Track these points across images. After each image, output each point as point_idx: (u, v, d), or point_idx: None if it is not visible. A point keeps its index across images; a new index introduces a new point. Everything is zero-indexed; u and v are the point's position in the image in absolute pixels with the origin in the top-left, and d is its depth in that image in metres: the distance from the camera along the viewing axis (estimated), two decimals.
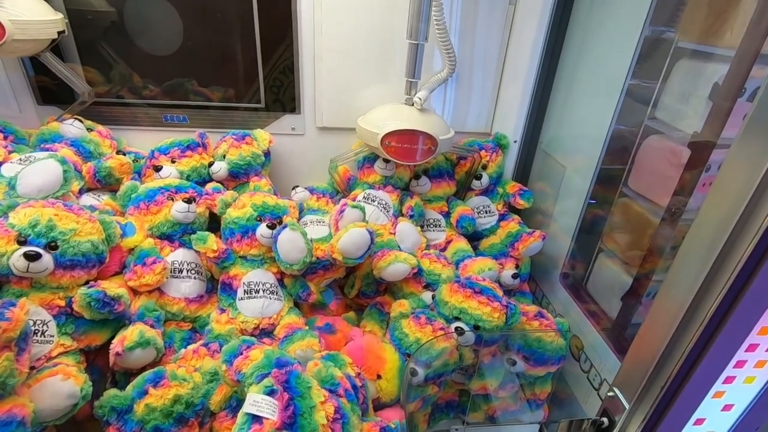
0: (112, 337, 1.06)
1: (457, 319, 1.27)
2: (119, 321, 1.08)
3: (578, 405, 1.42)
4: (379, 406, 1.19)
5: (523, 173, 1.72)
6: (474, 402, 1.43)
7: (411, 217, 1.55)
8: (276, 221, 1.28)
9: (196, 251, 1.26)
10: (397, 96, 1.48)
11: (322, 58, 1.53)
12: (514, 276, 1.52)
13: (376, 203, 1.52)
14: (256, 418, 0.77)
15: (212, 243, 1.21)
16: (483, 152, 1.62)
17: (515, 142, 1.65)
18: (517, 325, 1.28)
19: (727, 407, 0.69)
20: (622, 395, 0.74)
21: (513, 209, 1.70)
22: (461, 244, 1.57)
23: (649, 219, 1.27)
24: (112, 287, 1.01)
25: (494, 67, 1.62)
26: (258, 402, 0.78)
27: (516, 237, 1.55)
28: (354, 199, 1.53)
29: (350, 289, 1.48)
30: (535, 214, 1.70)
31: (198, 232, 1.23)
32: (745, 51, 0.98)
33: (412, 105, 1.46)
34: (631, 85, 1.25)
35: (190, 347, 1.12)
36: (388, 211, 1.52)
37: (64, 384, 0.87)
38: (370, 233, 1.25)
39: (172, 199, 1.26)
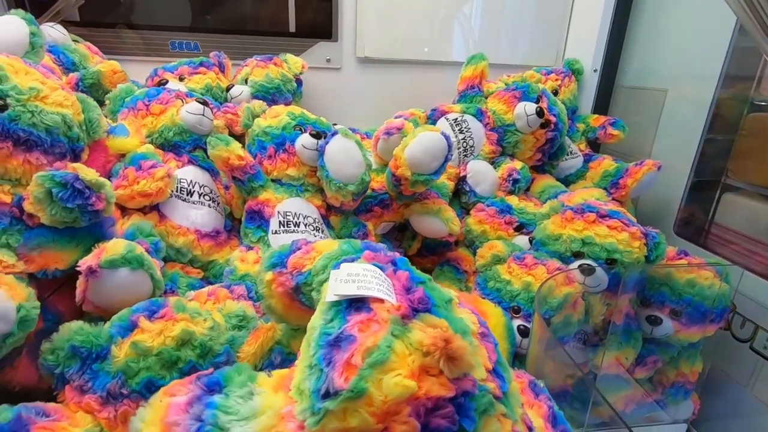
0: None
1: (578, 256, 0.90)
2: (95, 238, 0.70)
3: (741, 390, 1.01)
4: None
5: (601, 112, 1.43)
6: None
7: (514, 185, 1.13)
8: (321, 133, 0.94)
9: (211, 174, 0.92)
10: (454, 20, 1.19)
11: None
12: None
13: (462, 136, 1.15)
14: (354, 306, 0.39)
15: (237, 148, 0.86)
16: (553, 75, 1.33)
17: (595, 71, 1.37)
18: (660, 264, 0.92)
19: None
20: None
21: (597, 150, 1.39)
22: (547, 180, 1.22)
23: None
24: (90, 171, 0.65)
25: None
26: (358, 275, 0.40)
27: (617, 174, 1.21)
28: (443, 114, 1.19)
29: (411, 242, 1.11)
30: (625, 159, 1.38)
31: (217, 134, 0.88)
32: None
33: None
34: None
35: (205, 288, 0.74)
36: (467, 155, 1.16)
37: None
38: (447, 138, 0.91)
39: (182, 101, 0.92)
